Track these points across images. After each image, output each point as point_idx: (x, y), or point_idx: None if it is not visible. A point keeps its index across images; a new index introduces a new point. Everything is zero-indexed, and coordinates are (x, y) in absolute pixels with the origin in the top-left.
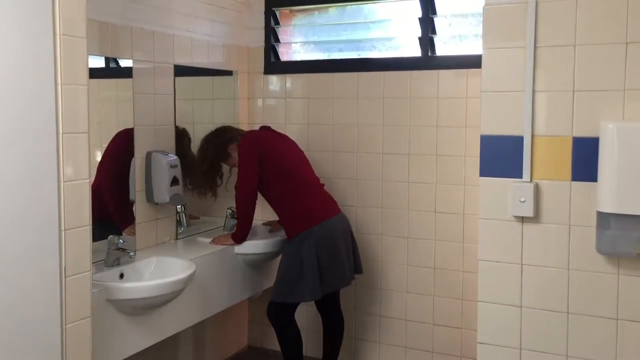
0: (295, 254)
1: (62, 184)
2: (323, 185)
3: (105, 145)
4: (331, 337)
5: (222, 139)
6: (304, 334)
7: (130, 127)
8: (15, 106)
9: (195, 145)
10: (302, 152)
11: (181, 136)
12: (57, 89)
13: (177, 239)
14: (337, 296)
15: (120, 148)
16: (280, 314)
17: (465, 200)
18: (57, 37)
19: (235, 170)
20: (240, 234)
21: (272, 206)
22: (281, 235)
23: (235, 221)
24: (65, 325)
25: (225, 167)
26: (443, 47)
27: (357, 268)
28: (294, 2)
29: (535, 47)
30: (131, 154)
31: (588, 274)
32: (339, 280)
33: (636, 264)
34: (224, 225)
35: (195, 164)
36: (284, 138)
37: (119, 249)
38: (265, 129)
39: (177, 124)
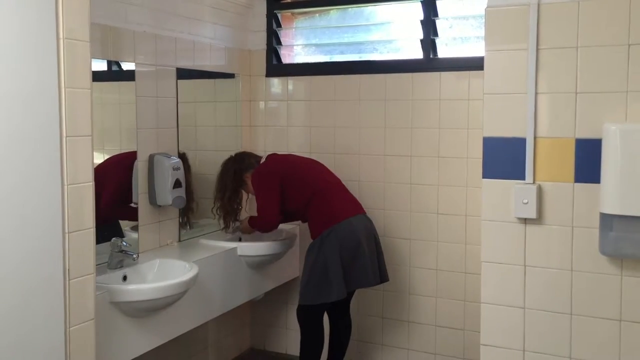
0: (319, 254)
1: (65, 187)
2: (345, 186)
3: (107, 148)
4: (338, 341)
5: (238, 166)
6: (299, 334)
7: (128, 150)
8: (18, 109)
9: (195, 172)
10: (315, 161)
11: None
12: (61, 92)
13: (179, 241)
14: (349, 301)
15: (125, 175)
16: (309, 317)
17: (467, 202)
18: (61, 40)
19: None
20: (254, 228)
21: (296, 215)
22: (284, 237)
23: (239, 224)
24: (69, 327)
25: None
26: (445, 50)
27: (383, 275)
28: (295, 4)
29: (537, 49)
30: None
31: (591, 276)
32: (363, 279)
33: (639, 266)
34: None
35: (215, 191)
36: (291, 155)
37: (122, 251)
38: (271, 155)
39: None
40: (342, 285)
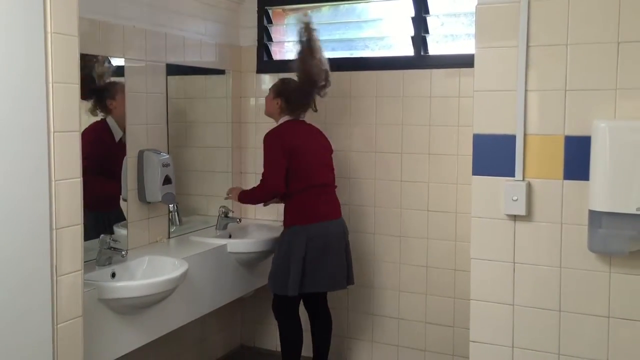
0: (285, 245)
1: (53, 182)
2: (336, 187)
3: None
4: (318, 336)
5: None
6: None
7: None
8: (5, 104)
9: (185, 168)
10: (327, 150)
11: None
12: (48, 87)
13: (169, 237)
14: (325, 296)
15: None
16: (281, 307)
17: (457, 198)
18: (49, 35)
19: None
20: (248, 200)
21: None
22: (275, 233)
23: (229, 221)
24: (57, 324)
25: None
26: (435, 47)
27: (349, 278)
28: (286, 1)
29: (527, 47)
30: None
31: (580, 272)
32: (324, 283)
33: (628, 262)
34: (217, 224)
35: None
36: (314, 133)
37: (110, 248)
38: (288, 124)
39: None
40: (298, 282)
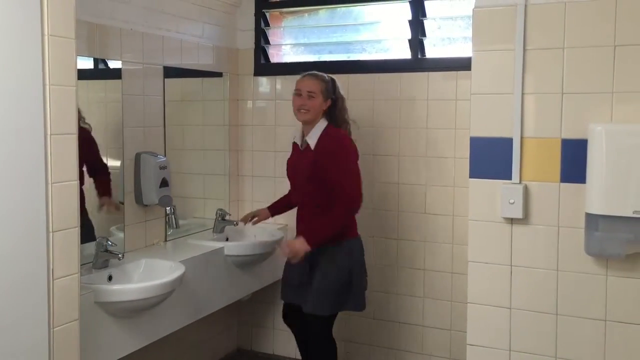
0: (346, 262)
1: (49, 185)
2: None
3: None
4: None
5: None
6: (287, 335)
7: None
8: (2, 107)
9: (182, 171)
10: None
11: None
12: (46, 89)
13: (166, 240)
14: None
15: None
16: (327, 329)
17: (454, 201)
18: (46, 37)
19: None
20: (330, 235)
21: (323, 204)
22: (272, 236)
23: (226, 223)
24: (53, 328)
25: None
26: (432, 50)
27: None
28: (284, 4)
29: (524, 50)
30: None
31: (577, 275)
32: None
33: (624, 265)
34: (214, 227)
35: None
36: None
37: (107, 251)
38: (347, 135)
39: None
40: (364, 296)
